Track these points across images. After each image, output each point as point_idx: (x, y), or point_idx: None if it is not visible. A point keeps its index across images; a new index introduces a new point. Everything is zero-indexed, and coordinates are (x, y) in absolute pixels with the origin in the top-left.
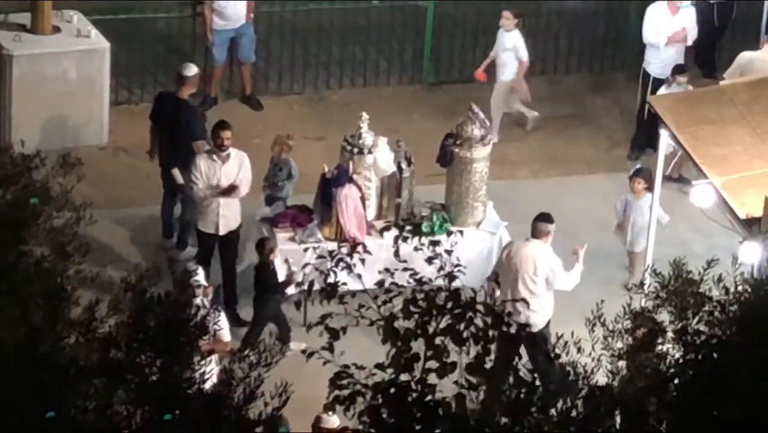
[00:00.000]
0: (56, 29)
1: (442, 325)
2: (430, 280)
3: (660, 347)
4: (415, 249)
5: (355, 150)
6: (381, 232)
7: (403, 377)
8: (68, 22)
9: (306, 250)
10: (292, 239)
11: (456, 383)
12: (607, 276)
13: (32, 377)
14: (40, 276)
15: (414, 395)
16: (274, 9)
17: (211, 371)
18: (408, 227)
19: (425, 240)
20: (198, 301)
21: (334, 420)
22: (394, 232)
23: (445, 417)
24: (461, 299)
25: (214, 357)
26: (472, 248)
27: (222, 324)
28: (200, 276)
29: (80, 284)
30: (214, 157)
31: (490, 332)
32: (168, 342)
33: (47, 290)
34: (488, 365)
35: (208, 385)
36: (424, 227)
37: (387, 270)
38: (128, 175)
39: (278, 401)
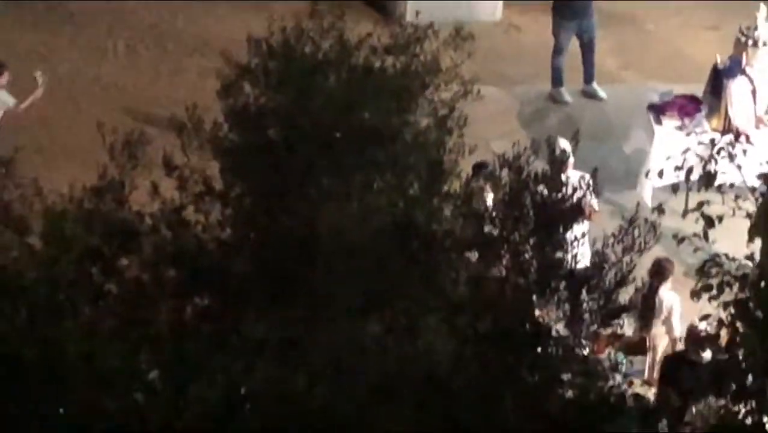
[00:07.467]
0: None
1: None
2: None
3: None
4: None
5: (750, 42)
6: None
7: None
8: None
9: (689, 134)
10: (678, 128)
11: None
12: None
13: (406, 245)
14: (421, 147)
15: None
16: None
17: (583, 253)
18: None
19: None
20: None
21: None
22: None
23: None
24: None
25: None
26: None
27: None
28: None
29: (459, 156)
30: None
31: None
32: (542, 221)
33: (427, 161)
34: None
35: (580, 266)
36: None
37: None
38: (518, 52)
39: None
